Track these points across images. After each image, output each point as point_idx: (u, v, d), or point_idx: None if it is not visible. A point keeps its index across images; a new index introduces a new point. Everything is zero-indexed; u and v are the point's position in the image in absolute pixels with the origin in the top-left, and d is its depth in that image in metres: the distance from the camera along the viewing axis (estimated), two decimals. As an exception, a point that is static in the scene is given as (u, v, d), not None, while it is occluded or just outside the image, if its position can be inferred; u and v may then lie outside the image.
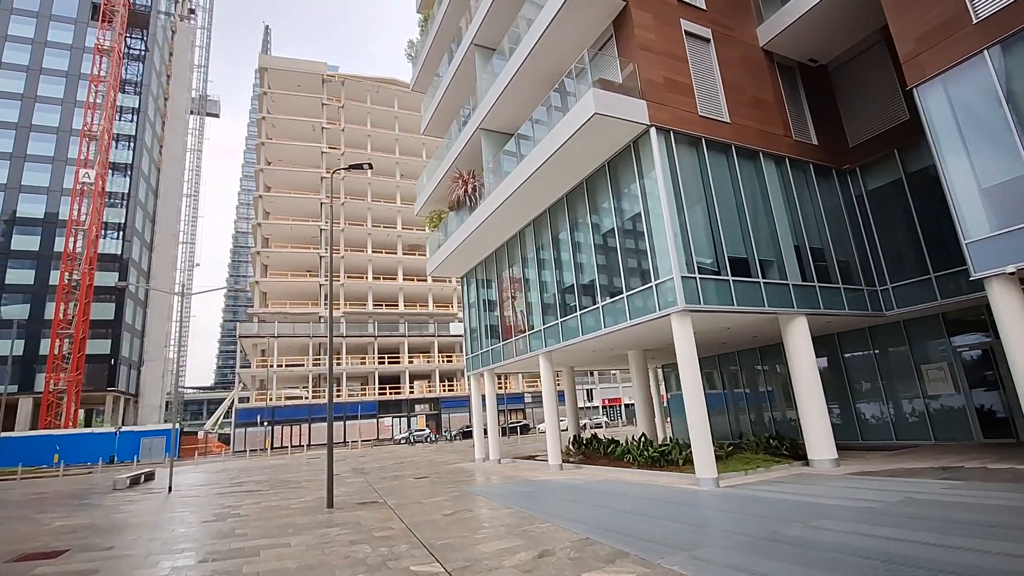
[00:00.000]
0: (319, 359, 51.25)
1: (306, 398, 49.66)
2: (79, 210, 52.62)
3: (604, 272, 13.38)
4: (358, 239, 56.56)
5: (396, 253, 57.48)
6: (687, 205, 11.69)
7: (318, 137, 58.28)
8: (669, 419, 23.38)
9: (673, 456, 12.61)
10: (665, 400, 24.05)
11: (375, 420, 50.02)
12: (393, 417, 51.15)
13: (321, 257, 54.25)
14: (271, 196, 55.48)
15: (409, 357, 53.47)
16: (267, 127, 57.18)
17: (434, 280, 58.60)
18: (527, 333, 16.64)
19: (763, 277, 12.22)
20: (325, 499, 11.54)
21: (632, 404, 61.76)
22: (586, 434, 19.02)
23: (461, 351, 55.77)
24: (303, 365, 50.10)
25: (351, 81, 60.79)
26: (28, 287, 51.36)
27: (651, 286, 11.64)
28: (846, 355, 16.39)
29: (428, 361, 54.36)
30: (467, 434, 46.39)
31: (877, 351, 15.72)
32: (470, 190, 17.34)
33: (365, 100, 61.06)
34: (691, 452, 12.24)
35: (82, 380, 48.46)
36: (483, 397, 20.66)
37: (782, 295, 12.40)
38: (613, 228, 13.02)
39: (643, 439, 15.02)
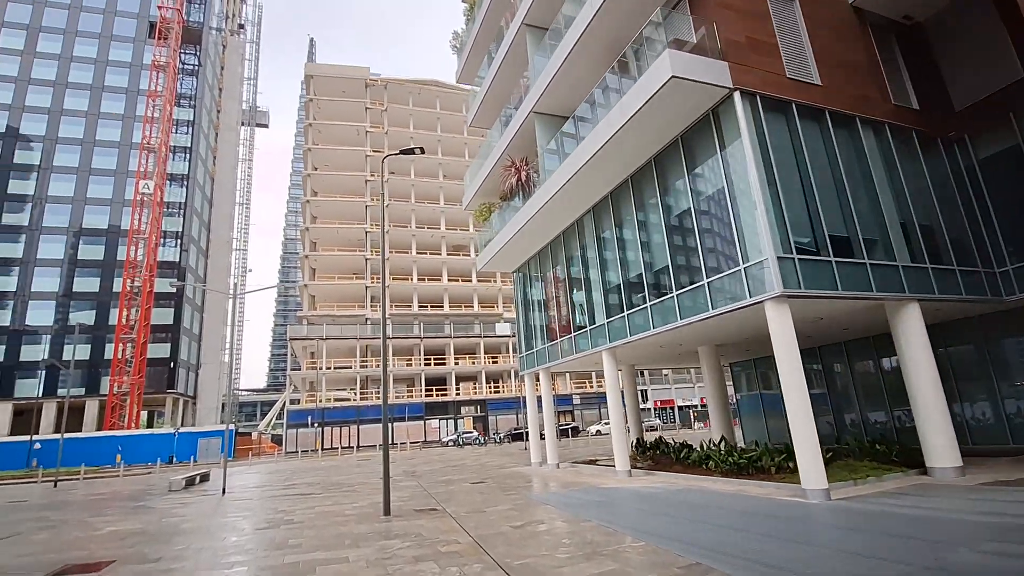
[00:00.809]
0: (366, 361, 51.46)
1: (354, 400, 49.91)
2: (139, 220, 54.89)
3: (678, 258, 12.07)
4: (402, 241, 56.66)
5: (440, 254, 57.25)
6: (779, 177, 10.27)
7: (362, 141, 58.83)
8: (739, 422, 21.64)
9: (764, 463, 11.15)
10: (735, 401, 22.29)
11: (422, 422, 49.73)
12: (440, 419, 50.75)
13: (367, 260, 54.58)
14: (318, 200, 56.30)
15: (455, 358, 53.01)
16: (313, 133, 58.14)
17: (479, 280, 58.09)
18: (588, 329, 15.46)
19: (868, 258, 10.64)
20: (381, 505, 10.74)
21: (686, 406, 59.39)
22: (648, 436, 17.67)
23: (507, 352, 54.94)
24: (351, 367, 50.39)
25: (393, 84, 61.15)
26: (94, 294, 53.84)
27: (739, 270, 10.28)
28: (946, 348, 14.36)
29: (474, 362, 53.75)
30: (516, 436, 45.42)
31: (988, 343, 13.70)
32: (523, 178, 16.34)
33: (407, 103, 61.29)
34: (785, 459, 10.82)
35: (144, 383, 50.34)
36: (538, 398, 19.60)
37: (891, 278, 10.77)
38: (689, 208, 11.70)
39: (723, 443, 13.58)
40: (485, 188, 20.22)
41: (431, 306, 56.64)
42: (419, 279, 56.06)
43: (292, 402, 49.80)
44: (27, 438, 40.11)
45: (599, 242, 15.14)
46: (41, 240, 54.42)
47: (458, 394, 51.86)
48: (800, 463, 9.26)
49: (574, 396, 53.89)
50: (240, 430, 63.96)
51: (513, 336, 55.09)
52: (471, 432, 46.73)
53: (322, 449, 44.05)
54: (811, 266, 9.97)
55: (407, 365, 52.12)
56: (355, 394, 50.50)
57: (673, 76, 9.87)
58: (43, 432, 45.07)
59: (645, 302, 12.99)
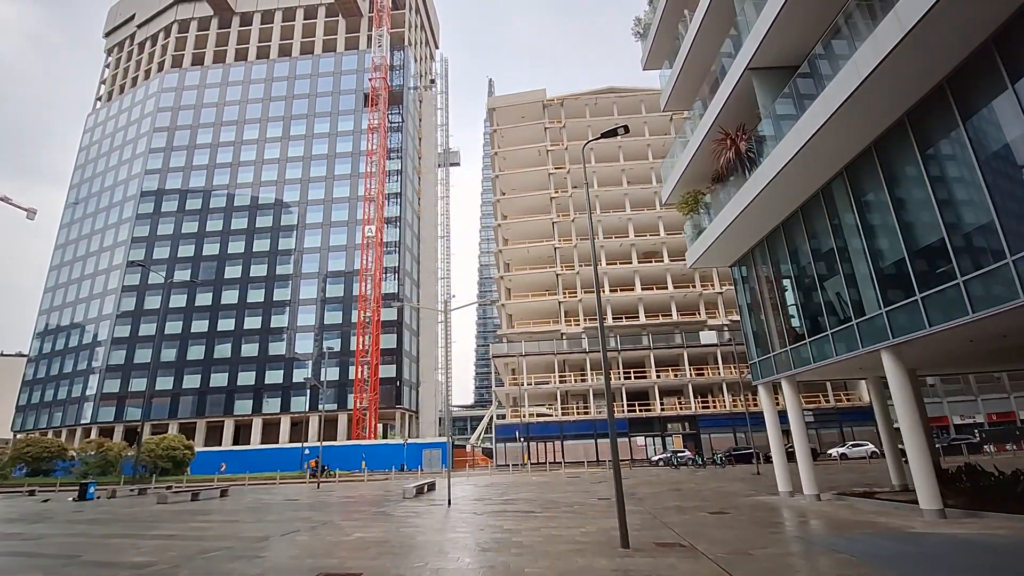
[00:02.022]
0: (565, 376, 51.37)
1: (556, 415, 50.02)
2: (367, 259, 64.11)
3: (1008, 204, 8.40)
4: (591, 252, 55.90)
5: (631, 263, 54.96)
6: None
7: (544, 160, 60.23)
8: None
9: None
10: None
11: (627, 439, 47.41)
12: (645, 436, 47.86)
13: (558, 275, 55.04)
14: (508, 223, 58.97)
15: (656, 371, 49.78)
16: (499, 161, 61.49)
17: (676, 286, 54.21)
18: (854, 322, 12.04)
19: None
20: (612, 532, 9.26)
21: (966, 424, 46.60)
22: (945, 463, 13.08)
23: (715, 363, 49.79)
24: (550, 382, 50.77)
25: (569, 100, 61.68)
26: (338, 325, 63.97)
27: None
28: None
29: (677, 375, 49.81)
30: (740, 457, 40.33)
31: None
32: (742, 150, 13.74)
33: (584, 115, 61.16)
34: None
35: (378, 399, 57.83)
36: (780, 412, 16.25)
37: None
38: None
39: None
40: (689, 175, 17.88)
41: (625, 317, 54.44)
42: (611, 290, 54.46)
43: (499, 417, 52.02)
44: (299, 445, 48.63)
45: (858, 209, 11.75)
46: (302, 284, 66.91)
47: (663, 409, 48.38)
48: None
49: (806, 413, 46.03)
50: (455, 443, 69.43)
51: (722, 345, 49.74)
52: (682, 451, 42.88)
53: (530, 464, 44.69)
54: None
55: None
56: (556, 410, 50.63)
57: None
58: (310, 440, 54.22)
59: (954, 277, 9.39)
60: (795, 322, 14.40)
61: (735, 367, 50.82)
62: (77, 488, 24.23)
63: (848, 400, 48.08)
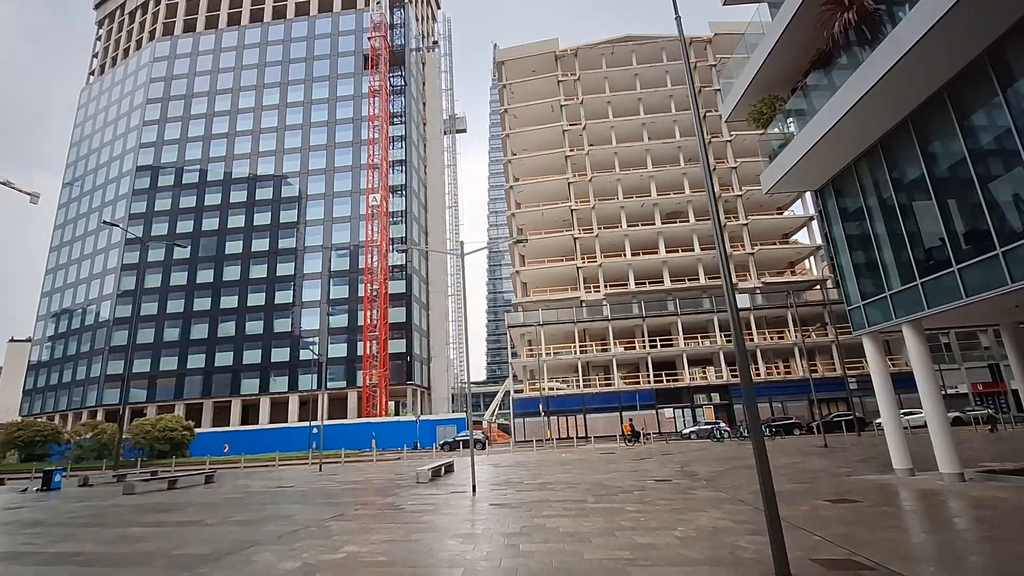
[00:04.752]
0: (586, 346, 48.08)
1: (577, 387, 46.89)
2: (372, 231, 60.65)
3: None
4: (610, 215, 51.97)
5: (654, 223, 51.00)
6: None
7: (558, 117, 55.88)
8: None
9: None
10: None
11: (654, 411, 44.28)
12: (673, 408, 44.66)
13: (575, 239, 51.27)
14: (521, 185, 55.02)
15: (684, 339, 46.27)
16: (509, 119, 57.19)
17: (703, 248, 50.15)
18: (1000, 250, 8.44)
19: None
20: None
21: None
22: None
23: (747, 328, 46.09)
24: (570, 352, 47.51)
25: (583, 51, 56.90)
26: (345, 299, 60.93)
27: None
28: None
29: (708, 342, 46.29)
30: (787, 428, 36.97)
31: None
32: (870, 4, 9.93)
33: (600, 65, 56.44)
34: None
35: (388, 375, 55.01)
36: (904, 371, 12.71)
37: None
38: None
39: None
40: (763, 76, 14.07)
41: (649, 282, 50.73)
42: (633, 254, 50.67)
43: (515, 392, 48.97)
44: (307, 424, 46.01)
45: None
46: (306, 257, 63.72)
47: (694, 379, 45.04)
48: None
49: (849, 380, 42.51)
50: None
51: (755, 309, 46.06)
52: (715, 422, 39.62)
53: (555, 440, 41.71)
54: None
55: (629, 348, 47.22)
56: (576, 383, 47.47)
57: None
58: (318, 419, 51.74)
59: None
60: (933, 247, 10.75)
61: (768, 332, 47.26)
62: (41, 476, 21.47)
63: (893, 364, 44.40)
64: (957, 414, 35.85)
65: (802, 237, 55.05)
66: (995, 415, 34.62)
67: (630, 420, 42.03)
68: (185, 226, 66.56)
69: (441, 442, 42.45)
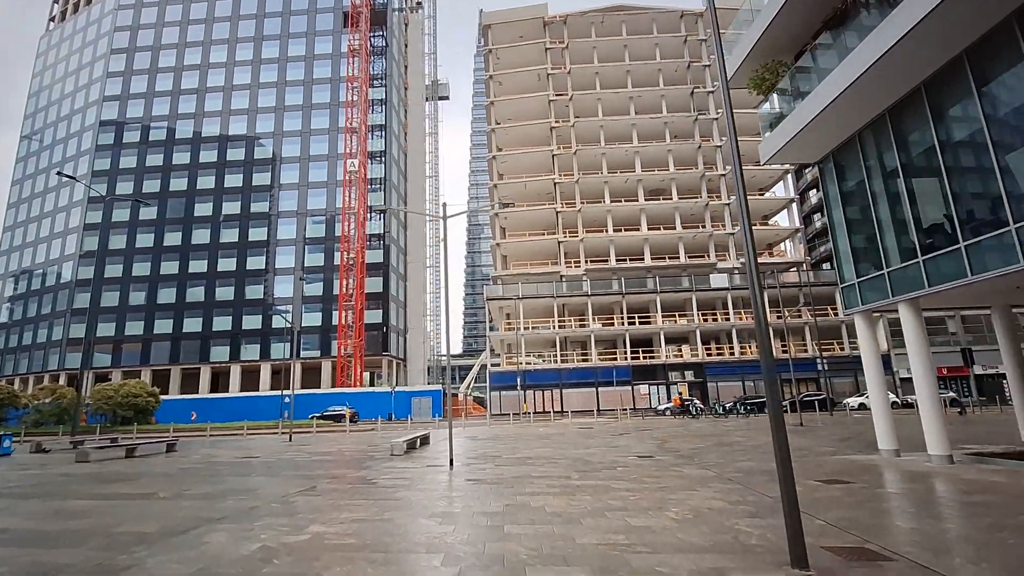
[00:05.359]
0: (564, 321, 47.83)
1: (554, 362, 46.76)
2: (349, 197, 58.74)
3: None
4: (594, 189, 51.23)
5: (637, 200, 50.49)
6: None
7: (544, 86, 54.35)
8: None
9: None
10: None
11: (629, 387, 44.51)
12: (649, 384, 44.97)
13: (557, 212, 50.49)
14: (504, 156, 53.70)
15: (662, 316, 46.34)
16: (494, 87, 55.45)
17: (685, 227, 49.96)
18: (1013, 226, 8.06)
19: None
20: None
21: (988, 375, 44.13)
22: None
23: (725, 308, 46.39)
24: (549, 327, 47.23)
25: (573, 18, 55.16)
26: (320, 267, 59.26)
27: None
28: None
29: (685, 320, 46.46)
30: (760, 407, 37.32)
31: None
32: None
33: (589, 35, 54.85)
34: None
35: (363, 346, 54.04)
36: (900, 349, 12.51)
37: None
38: None
39: None
40: (769, 37, 13.35)
41: (630, 259, 50.48)
42: (615, 230, 50.21)
43: (493, 365, 48.64)
44: (279, 392, 45.03)
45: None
46: (280, 223, 61.51)
47: (669, 357, 45.29)
48: None
49: (817, 360, 43.27)
50: (446, 392, 66.52)
51: (732, 289, 46.25)
52: (689, 399, 39.97)
53: (532, 414, 41.64)
54: None
55: (607, 325, 47.15)
56: (554, 358, 47.32)
57: None
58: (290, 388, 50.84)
59: None
60: (939, 224, 10.36)
61: (744, 313, 47.65)
62: None
63: (853, 348, 45.35)
64: (863, 400, 37.17)
65: (782, 219, 55.37)
66: (959, 398, 35.57)
67: (679, 393, 42.25)
68: (152, 186, 63.52)
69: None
